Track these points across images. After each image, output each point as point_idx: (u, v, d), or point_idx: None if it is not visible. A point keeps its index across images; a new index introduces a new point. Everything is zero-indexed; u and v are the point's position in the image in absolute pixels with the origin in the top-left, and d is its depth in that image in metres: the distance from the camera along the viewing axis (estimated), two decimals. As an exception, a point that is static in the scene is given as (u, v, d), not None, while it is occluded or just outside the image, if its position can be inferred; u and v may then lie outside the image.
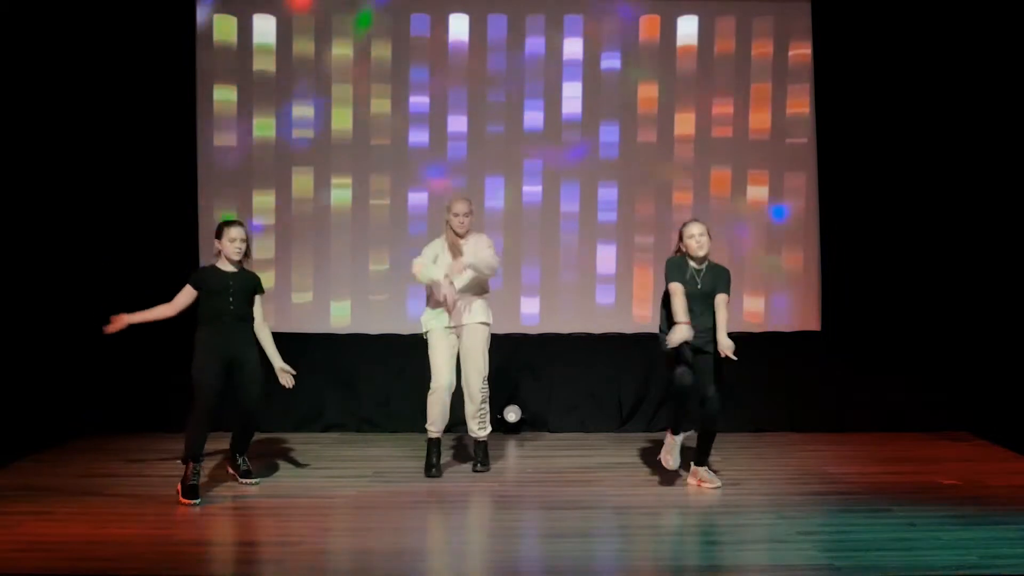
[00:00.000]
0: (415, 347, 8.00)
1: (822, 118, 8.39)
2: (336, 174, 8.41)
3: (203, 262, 8.23)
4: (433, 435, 7.03)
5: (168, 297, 8.28)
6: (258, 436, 8.14)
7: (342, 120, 8.39)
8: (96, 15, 8.12)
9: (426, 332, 7.02)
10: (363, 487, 6.70)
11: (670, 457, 6.65)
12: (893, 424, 8.36)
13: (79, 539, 5.51)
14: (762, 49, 8.42)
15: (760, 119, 8.43)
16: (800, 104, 8.43)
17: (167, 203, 8.29)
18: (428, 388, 7.11)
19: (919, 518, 5.88)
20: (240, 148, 8.39)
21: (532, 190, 8.44)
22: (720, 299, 6.52)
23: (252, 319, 6.74)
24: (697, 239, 6.54)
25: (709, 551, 5.50)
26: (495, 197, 8.41)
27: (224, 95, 8.36)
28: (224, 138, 8.37)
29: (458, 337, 6.98)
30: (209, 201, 8.35)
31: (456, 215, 6.95)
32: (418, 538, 5.76)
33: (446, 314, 6.95)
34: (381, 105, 8.40)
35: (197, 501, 6.27)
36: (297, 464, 7.34)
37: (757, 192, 8.46)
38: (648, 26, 8.41)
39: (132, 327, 6.87)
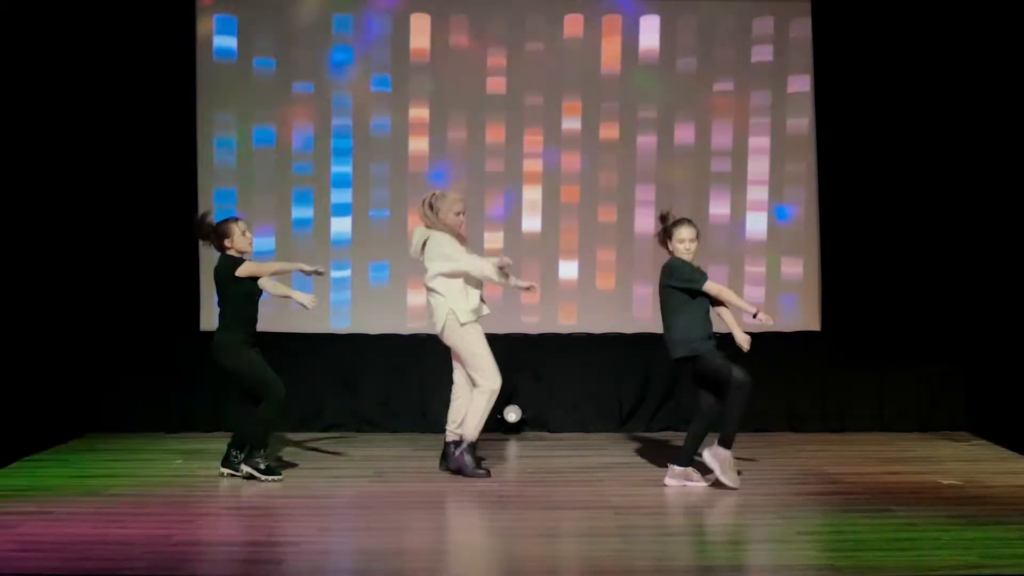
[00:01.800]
0: (415, 347, 8.03)
1: (822, 117, 8.39)
2: (337, 170, 8.41)
3: (203, 261, 8.23)
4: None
5: (165, 295, 8.32)
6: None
7: (343, 117, 8.39)
8: (95, 14, 8.12)
9: (465, 323, 6.73)
10: (363, 487, 6.69)
11: (733, 474, 6.47)
12: (893, 424, 8.36)
13: (79, 539, 5.50)
14: (762, 49, 8.41)
15: (760, 119, 8.43)
16: (800, 104, 8.43)
17: (167, 203, 8.28)
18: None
19: (919, 518, 5.88)
20: (241, 145, 8.39)
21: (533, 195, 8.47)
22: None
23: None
24: (687, 245, 6.39)
25: (709, 551, 5.50)
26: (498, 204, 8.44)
27: (224, 92, 8.35)
28: (224, 136, 8.37)
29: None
30: (209, 200, 8.35)
31: (459, 213, 6.79)
32: (418, 538, 5.76)
33: (480, 303, 6.82)
34: (382, 96, 8.40)
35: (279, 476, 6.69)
36: (297, 464, 7.34)
37: (757, 192, 8.45)
38: (647, 27, 8.41)
39: (131, 327, 6.93)
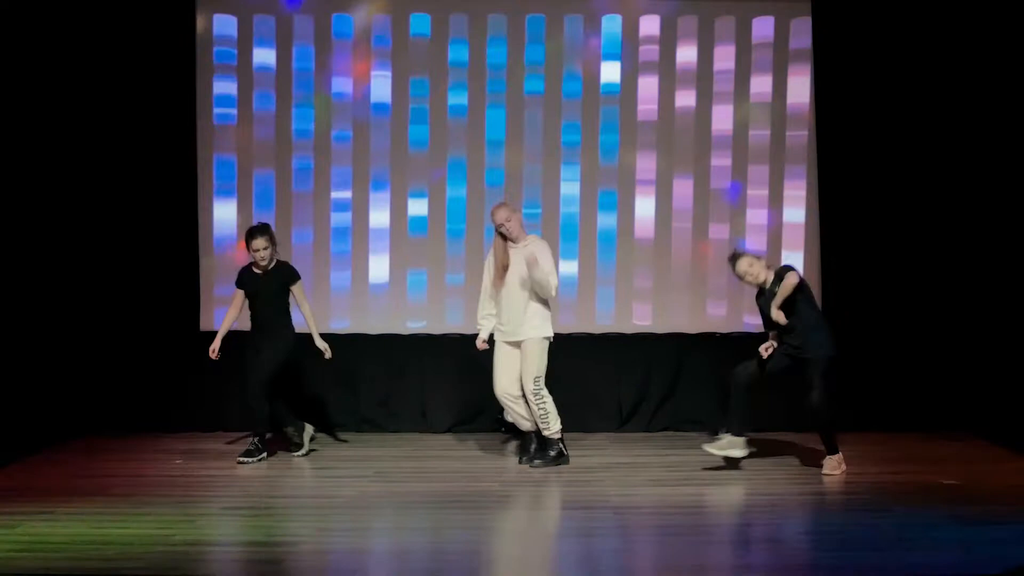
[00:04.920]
0: (415, 347, 8.03)
1: (822, 118, 8.39)
2: (336, 171, 8.40)
3: (203, 260, 8.29)
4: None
5: (165, 295, 8.36)
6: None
7: (342, 115, 8.39)
8: (95, 13, 8.12)
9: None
10: (363, 487, 6.70)
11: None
12: (893, 424, 8.36)
13: (79, 539, 5.51)
14: (762, 49, 8.41)
15: (760, 120, 8.42)
16: (800, 105, 8.43)
17: (167, 203, 8.29)
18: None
19: (919, 518, 5.88)
20: (240, 146, 8.39)
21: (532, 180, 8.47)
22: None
23: (280, 313, 7.36)
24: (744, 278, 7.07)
25: (709, 551, 5.50)
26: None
27: (224, 91, 8.35)
28: (224, 136, 8.37)
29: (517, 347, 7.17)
30: (208, 200, 8.36)
31: (501, 225, 7.06)
32: (418, 538, 5.76)
33: (505, 326, 7.14)
34: (382, 91, 8.40)
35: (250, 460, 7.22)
36: (297, 464, 7.34)
37: (757, 193, 8.45)
38: (647, 27, 8.41)
39: (127, 327, 6.95)
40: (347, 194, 8.40)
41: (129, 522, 5.84)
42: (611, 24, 8.42)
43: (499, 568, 5.21)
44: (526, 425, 7.27)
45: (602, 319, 8.47)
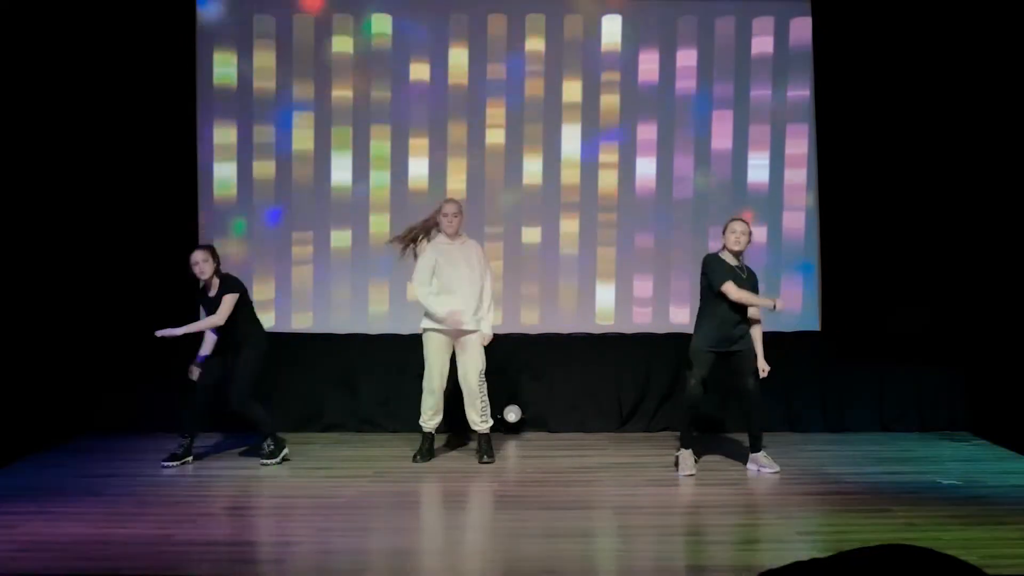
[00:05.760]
0: (415, 347, 8.01)
1: (822, 116, 8.39)
2: (336, 170, 8.41)
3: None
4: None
5: (166, 295, 8.35)
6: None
7: (342, 113, 8.39)
8: (96, 13, 8.12)
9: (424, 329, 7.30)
10: (363, 487, 6.70)
11: (686, 468, 6.97)
12: (893, 424, 8.36)
13: (79, 539, 5.51)
14: (762, 49, 8.42)
15: (760, 119, 8.43)
16: (799, 102, 8.44)
17: (166, 204, 8.28)
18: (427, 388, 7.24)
19: (919, 518, 5.88)
20: (240, 146, 8.38)
21: (532, 182, 8.47)
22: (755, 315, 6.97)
23: (244, 322, 7.25)
24: (737, 236, 6.81)
25: (709, 551, 5.50)
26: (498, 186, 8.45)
27: (224, 90, 8.35)
28: (223, 135, 8.37)
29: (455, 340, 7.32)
30: (208, 199, 8.35)
31: (445, 215, 7.19)
32: (418, 538, 5.76)
33: (448, 313, 7.22)
34: (382, 92, 8.40)
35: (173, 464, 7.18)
36: (297, 464, 7.34)
37: (756, 193, 8.45)
38: (647, 26, 8.41)
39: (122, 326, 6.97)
40: (347, 192, 8.40)
41: (129, 522, 5.84)
42: (611, 24, 8.42)
43: (499, 568, 5.21)
44: (431, 423, 7.40)
45: (603, 291, 8.43)
